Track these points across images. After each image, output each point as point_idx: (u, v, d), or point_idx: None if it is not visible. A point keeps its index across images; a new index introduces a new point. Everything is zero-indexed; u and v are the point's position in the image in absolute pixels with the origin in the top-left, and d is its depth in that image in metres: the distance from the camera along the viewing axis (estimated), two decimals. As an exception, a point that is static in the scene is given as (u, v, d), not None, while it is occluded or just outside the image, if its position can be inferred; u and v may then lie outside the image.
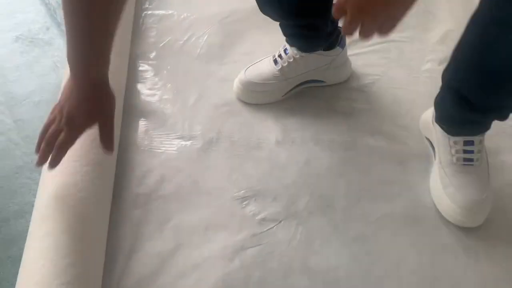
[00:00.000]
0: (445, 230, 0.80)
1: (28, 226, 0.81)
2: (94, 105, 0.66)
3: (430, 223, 0.81)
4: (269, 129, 0.94)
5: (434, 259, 0.77)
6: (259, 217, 0.82)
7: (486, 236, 0.79)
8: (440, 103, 0.81)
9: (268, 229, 0.81)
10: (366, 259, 0.77)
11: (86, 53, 0.62)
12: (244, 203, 0.83)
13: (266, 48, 1.03)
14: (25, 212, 0.84)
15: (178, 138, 0.92)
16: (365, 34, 0.56)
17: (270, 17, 0.87)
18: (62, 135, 0.66)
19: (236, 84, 0.98)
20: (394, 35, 1.10)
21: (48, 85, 1.05)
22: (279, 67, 0.94)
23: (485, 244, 0.78)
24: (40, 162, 0.68)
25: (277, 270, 0.76)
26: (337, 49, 0.95)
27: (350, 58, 1.02)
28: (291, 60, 0.93)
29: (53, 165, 0.68)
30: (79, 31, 0.59)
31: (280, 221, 0.81)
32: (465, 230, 0.80)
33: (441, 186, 0.81)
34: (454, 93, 0.75)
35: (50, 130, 0.67)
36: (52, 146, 0.67)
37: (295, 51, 0.93)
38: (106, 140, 0.69)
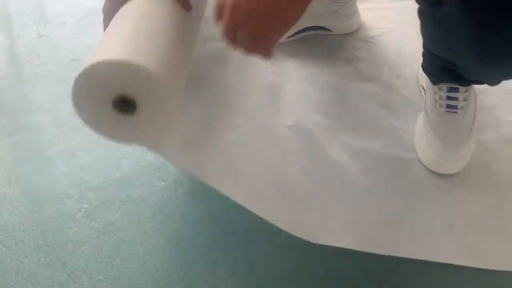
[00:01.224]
0: (420, 173, 0.80)
1: (33, 122, 0.89)
2: None
3: (407, 164, 0.81)
4: (266, 65, 0.96)
5: (403, 196, 0.77)
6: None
7: (460, 184, 0.78)
8: (424, 57, 0.81)
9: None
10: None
11: None
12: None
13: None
14: (32, 110, 0.92)
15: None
16: (238, 45, 0.54)
17: None
18: None
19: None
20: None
21: (74, 10, 1.13)
22: (285, 6, 0.96)
23: (456, 191, 0.77)
24: None
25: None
26: (345, -4, 0.97)
27: (363, 12, 1.03)
28: (297, 0, 0.95)
29: (106, 19, 0.65)
30: None
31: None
32: (440, 176, 0.79)
33: (423, 131, 0.81)
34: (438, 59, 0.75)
35: None
36: None
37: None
38: None
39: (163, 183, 0.80)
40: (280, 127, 0.84)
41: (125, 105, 0.54)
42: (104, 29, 0.67)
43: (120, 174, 0.81)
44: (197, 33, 0.76)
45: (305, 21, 0.98)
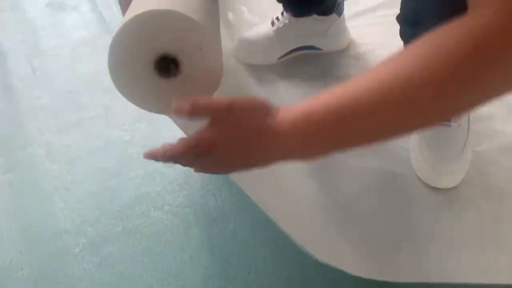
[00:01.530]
0: (418, 188, 0.79)
1: (28, 157, 0.89)
2: None
3: (404, 180, 0.80)
4: (259, 88, 0.97)
5: (401, 215, 0.76)
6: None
7: (458, 197, 0.77)
8: None
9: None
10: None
11: None
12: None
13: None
14: (27, 145, 0.92)
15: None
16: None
17: None
18: None
19: (235, 43, 1.02)
20: (398, 9, 1.13)
21: (67, 42, 1.14)
22: (275, 28, 0.97)
23: (454, 205, 0.76)
24: None
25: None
26: (333, 16, 0.97)
27: (352, 28, 1.03)
28: (287, 21, 0.96)
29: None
30: None
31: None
32: (438, 190, 0.78)
33: (418, 146, 0.80)
34: None
35: None
36: None
37: (290, 15, 0.96)
38: None
39: (159, 213, 0.79)
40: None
41: (164, 68, 0.50)
42: (123, 11, 0.61)
43: (117, 206, 0.81)
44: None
45: (294, 41, 0.99)
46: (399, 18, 0.62)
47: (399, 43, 1.05)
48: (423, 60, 0.38)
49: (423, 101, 0.38)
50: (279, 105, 0.93)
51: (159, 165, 0.86)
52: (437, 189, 0.78)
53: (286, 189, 0.79)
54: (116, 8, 1.21)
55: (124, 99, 0.99)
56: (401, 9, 0.60)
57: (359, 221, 0.75)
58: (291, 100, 0.94)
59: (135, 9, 0.49)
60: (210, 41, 0.50)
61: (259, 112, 0.47)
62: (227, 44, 1.06)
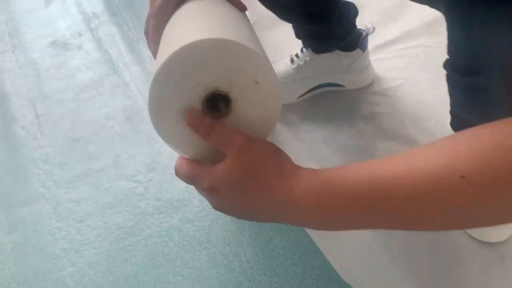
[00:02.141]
0: (465, 243, 0.72)
1: (33, 214, 0.82)
2: None
3: (448, 234, 0.73)
4: (279, 129, 0.90)
5: (449, 266, 0.69)
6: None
7: (509, 250, 0.70)
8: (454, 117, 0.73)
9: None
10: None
11: None
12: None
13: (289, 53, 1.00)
14: (32, 201, 0.85)
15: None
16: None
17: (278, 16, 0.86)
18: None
19: (251, 83, 0.95)
20: (425, 39, 1.07)
21: (71, 85, 1.08)
22: (295, 66, 0.91)
23: (506, 261, 0.69)
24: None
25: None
26: (357, 51, 0.91)
27: (374, 62, 0.97)
28: (307, 58, 0.90)
29: (153, 37, 0.55)
30: None
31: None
32: (487, 244, 0.71)
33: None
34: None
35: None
36: None
37: (311, 51, 0.90)
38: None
39: (179, 278, 0.72)
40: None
41: (212, 106, 0.44)
42: (152, 41, 0.55)
43: (131, 270, 0.73)
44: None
45: (316, 79, 0.93)
46: (448, 64, 0.55)
47: (425, 76, 1.00)
48: (484, 157, 0.31)
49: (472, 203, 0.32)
50: (300, 148, 0.86)
51: (176, 221, 0.79)
52: (486, 243, 0.71)
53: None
54: (124, 46, 1.15)
55: (135, 146, 0.94)
56: (450, 53, 0.53)
57: (406, 275, 0.68)
58: (313, 143, 0.88)
59: (177, 39, 0.42)
60: (267, 72, 0.43)
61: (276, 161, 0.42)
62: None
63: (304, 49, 0.90)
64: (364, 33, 0.90)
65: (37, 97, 1.06)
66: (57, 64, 1.14)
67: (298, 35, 0.89)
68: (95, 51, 1.16)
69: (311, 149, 0.86)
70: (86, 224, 0.80)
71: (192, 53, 0.40)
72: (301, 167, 0.42)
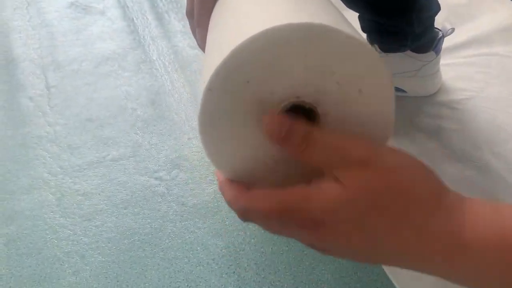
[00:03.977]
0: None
1: (33, 205, 0.70)
2: None
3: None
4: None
5: None
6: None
7: None
8: None
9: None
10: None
11: None
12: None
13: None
14: (33, 188, 0.72)
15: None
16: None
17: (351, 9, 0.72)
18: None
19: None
20: (499, 47, 0.93)
21: (90, 55, 0.94)
22: (355, 64, 0.77)
23: None
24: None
25: None
26: (431, 54, 0.77)
27: (441, 68, 0.84)
28: (371, 56, 0.76)
29: (199, 22, 0.42)
30: None
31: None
32: None
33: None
34: None
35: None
36: None
37: (377, 49, 0.76)
38: None
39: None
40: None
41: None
42: (199, 25, 0.42)
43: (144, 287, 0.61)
44: None
45: (376, 81, 0.79)
46: None
47: (502, 91, 0.86)
48: None
49: None
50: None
51: (202, 232, 0.66)
52: None
53: None
54: (152, 17, 1.01)
55: (158, 136, 0.81)
56: None
57: None
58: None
59: (239, 26, 0.29)
60: (379, 76, 0.29)
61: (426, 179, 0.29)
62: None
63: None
64: (441, 34, 0.77)
65: (50, 65, 0.93)
66: (76, 29, 1.00)
67: (364, 29, 0.75)
68: (120, 19, 1.02)
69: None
70: (94, 224, 0.68)
71: (265, 48, 0.26)
72: (464, 197, 0.29)
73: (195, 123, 0.79)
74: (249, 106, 0.28)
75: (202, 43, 0.42)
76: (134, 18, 1.02)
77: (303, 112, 0.29)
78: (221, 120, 0.29)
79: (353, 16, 0.75)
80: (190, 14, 0.43)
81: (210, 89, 0.27)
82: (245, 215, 0.30)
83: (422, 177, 0.29)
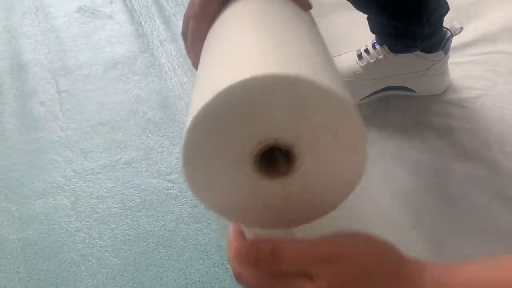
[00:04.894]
0: None
1: (48, 209, 0.71)
2: None
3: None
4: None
5: None
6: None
7: None
8: None
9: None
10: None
11: None
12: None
13: (349, 43, 0.87)
14: (47, 193, 0.73)
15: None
16: None
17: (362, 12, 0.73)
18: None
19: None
20: (506, 45, 0.93)
21: (100, 59, 0.95)
22: (364, 63, 0.78)
23: None
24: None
25: None
26: (439, 53, 0.78)
27: (449, 66, 0.84)
28: (381, 56, 0.77)
29: (193, 42, 0.43)
30: None
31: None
32: None
33: None
34: None
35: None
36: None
37: (386, 49, 0.77)
38: None
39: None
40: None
41: (268, 162, 0.32)
42: (192, 50, 0.44)
43: (162, 291, 0.62)
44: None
45: (386, 80, 0.80)
46: None
47: (508, 89, 0.86)
48: None
49: None
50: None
51: (216, 234, 0.67)
52: None
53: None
54: (160, 21, 1.02)
55: (170, 139, 0.81)
56: None
57: None
58: (381, 158, 0.75)
59: (223, 69, 0.31)
60: (353, 123, 0.30)
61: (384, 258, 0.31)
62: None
63: (377, 45, 0.77)
64: (449, 34, 0.77)
65: (60, 70, 0.94)
66: (85, 34, 1.01)
67: (374, 30, 0.75)
68: (128, 23, 1.03)
69: (377, 165, 0.74)
70: (109, 226, 0.69)
71: (245, 95, 0.28)
72: (424, 264, 0.31)
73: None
74: (229, 147, 0.30)
75: (195, 66, 0.43)
76: (142, 22, 1.03)
77: (280, 151, 0.31)
78: (203, 158, 0.31)
79: (362, 17, 0.76)
80: (184, 36, 0.45)
81: (192, 130, 0.29)
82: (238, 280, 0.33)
83: (381, 257, 0.31)
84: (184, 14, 0.45)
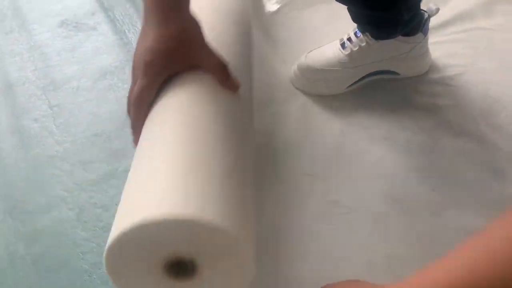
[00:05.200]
0: None
1: (54, 222, 0.72)
2: (176, 38, 0.47)
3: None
4: (330, 126, 0.80)
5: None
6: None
7: None
8: None
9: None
10: None
11: None
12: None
13: (330, 34, 0.89)
14: (51, 207, 0.74)
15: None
16: None
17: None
18: (135, 86, 0.49)
19: (293, 69, 0.85)
20: (482, 21, 0.96)
21: (88, 71, 0.96)
22: (348, 52, 0.80)
23: None
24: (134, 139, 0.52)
25: None
26: (419, 35, 0.80)
27: (431, 46, 0.87)
28: (364, 44, 0.79)
29: (133, 131, 0.51)
30: None
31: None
32: None
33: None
34: None
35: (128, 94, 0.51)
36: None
37: (369, 37, 0.79)
38: (220, 73, 0.49)
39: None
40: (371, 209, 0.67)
41: (180, 267, 0.41)
42: (133, 131, 0.53)
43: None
44: (252, 116, 0.61)
45: (370, 66, 0.82)
46: None
47: (491, 64, 0.89)
48: None
49: None
50: (361, 148, 0.75)
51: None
52: None
53: None
54: (143, 28, 1.03)
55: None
56: None
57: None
58: (376, 141, 0.77)
59: (141, 202, 0.40)
60: (242, 251, 0.39)
61: None
62: (277, 66, 0.89)
63: (359, 34, 0.79)
64: (427, 15, 0.80)
65: (49, 85, 0.94)
66: (70, 47, 1.02)
67: (355, 20, 0.78)
68: (112, 33, 1.04)
69: (370, 148, 0.76)
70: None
71: (144, 233, 0.37)
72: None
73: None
74: (142, 260, 0.39)
75: (134, 144, 0.50)
76: (126, 30, 1.04)
77: (185, 264, 0.40)
78: (124, 267, 0.40)
79: (343, 8, 0.78)
80: (129, 114, 0.52)
81: (110, 249, 0.39)
82: None
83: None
84: (129, 94, 0.51)
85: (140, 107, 0.49)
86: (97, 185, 0.77)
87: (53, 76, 0.96)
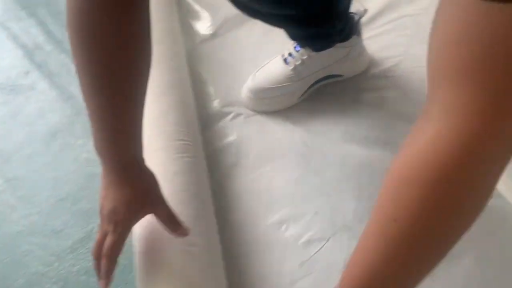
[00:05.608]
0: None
1: (40, 302, 0.70)
2: (134, 194, 0.55)
3: (499, 214, 0.69)
4: (291, 137, 0.82)
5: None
6: (302, 240, 0.70)
7: None
8: None
9: (316, 252, 0.69)
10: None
11: (114, 133, 0.53)
12: (283, 227, 0.72)
13: (270, 49, 0.92)
14: (33, 285, 0.72)
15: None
16: None
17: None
18: (107, 239, 0.54)
19: (244, 93, 0.86)
20: (407, 8, 1.01)
21: (36, 134, 0.93)
22: (292, 67, 0.83)
23: None
24: (102, 283, 0.55)
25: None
26: (354, 38, 0.84)
27: (364, 43, 0.91)
28: (305, 57, 0.82)
29: (104, 278, 0.55)
30: (105, 111, 0.51)
31: (329, 239, 0.70)
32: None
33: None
34: None
35: (96, 242, 0.56)
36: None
37: (309, 50, 0.82)
38: (170, 224, 0.57)
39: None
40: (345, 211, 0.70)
41: None
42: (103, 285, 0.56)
43: None
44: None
45: (315, 75, 0.85)
46: None
47: (422, 48, 0.94)
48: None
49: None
50: (321, 148, 0.77)
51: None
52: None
53: None
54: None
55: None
56: None
57: None
58: (332, 144, 0.80)
59: None
60: None
61: None
62: (231, 86, 0.90)
63: (299, 48, 0.82)
64: (357, 17, 0.83)
65: (1, 162, 0.91)
66: (12, 113, 0.99)
67: (293, 38, 0.80)
68: (51, 89, 1.01)
69: (330, 151, 0.79)
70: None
71: None
72: None
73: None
74: None
75: None
76: (66, 84, 1.02)
77: None
78: None
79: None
80: (95, 259, 0.56)
81: None
82: None
83: None
84: (97, 240, 0.55)
85: (112, 259, 0.54)
86: (75, 251, 0.75)
87: (2, 146, 0.93)
